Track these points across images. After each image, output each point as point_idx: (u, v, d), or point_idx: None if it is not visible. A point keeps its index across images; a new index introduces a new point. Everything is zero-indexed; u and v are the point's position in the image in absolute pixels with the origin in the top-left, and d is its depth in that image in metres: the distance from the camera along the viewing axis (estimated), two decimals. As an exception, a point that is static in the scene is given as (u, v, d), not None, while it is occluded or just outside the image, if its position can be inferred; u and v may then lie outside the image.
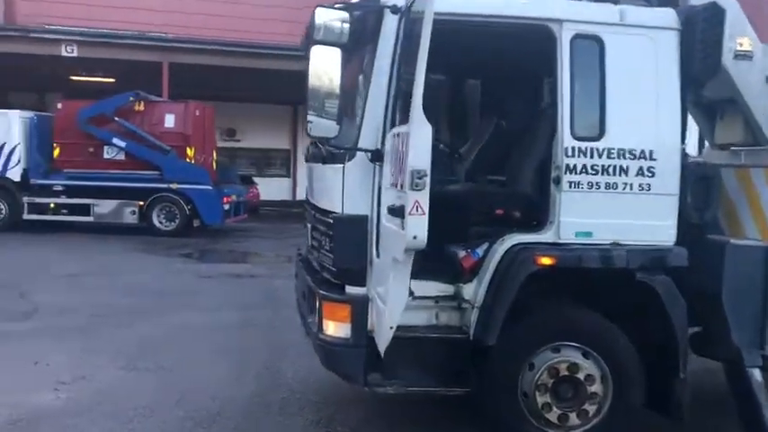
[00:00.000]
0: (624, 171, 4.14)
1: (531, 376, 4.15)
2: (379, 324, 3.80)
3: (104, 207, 16.09)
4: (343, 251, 4.07)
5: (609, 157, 4.13)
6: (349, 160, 4.02)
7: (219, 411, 4.99)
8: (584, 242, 4.13)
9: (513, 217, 4.50)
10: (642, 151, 4.15)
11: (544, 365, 4.14)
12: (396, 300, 3.64)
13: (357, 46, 3.99)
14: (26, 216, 16.23)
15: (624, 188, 4.15)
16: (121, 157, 16.11)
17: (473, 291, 4.18)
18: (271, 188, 25.36)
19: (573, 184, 4.10)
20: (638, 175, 4.15)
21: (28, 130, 16.42)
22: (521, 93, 5.24)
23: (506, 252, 4.11)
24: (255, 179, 23.89)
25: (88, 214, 16.12)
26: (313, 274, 4.56)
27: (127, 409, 4.95)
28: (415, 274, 4.18)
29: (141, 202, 16.04)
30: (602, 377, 4.17)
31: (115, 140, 15.92)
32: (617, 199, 4.15)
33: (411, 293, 3.78)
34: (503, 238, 4.17)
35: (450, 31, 4.30)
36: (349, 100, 4.04)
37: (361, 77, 4.21)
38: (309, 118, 3.77)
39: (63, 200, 16.21)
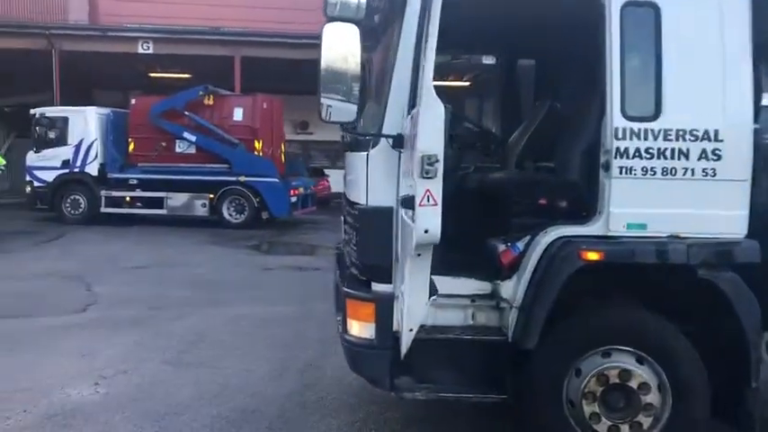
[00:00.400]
0: (684, 154, 3.66)
1: (578, 383, 3.75)
2: (401, 325, 3.50)
3: (176, 200, 16.43)
4: (367, 245, 3.77)
5: (666, 139, 3.65)
6: (372, 147, 3.71)
7: (254, 410, 4.83)
8: (636, 235, 3.68)
9: (558, 207, 4.09)
10: (706, 132, 3.65)
11: (592, 372, 3.72)
12: (414, 300, 3.33)
13: (376, 21, 3.68)
14: (103, 209, 16.77)
15: (684, 174, 3.66)
16: (192, 150, 16.39)
17: (512, 289, 3.81)
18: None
19: (624, 170, 3.65)
20: (701, 158, 3.66)
21: (104, 125, 16.96)
22: (573, 71, 4.80)
23: (548, 246, 3.72)
24: (328, 171, 23.89)
25: (161, 207, 16.50)
26: (343, 269, 4.30)
27: (161, 406, 4.86)
28: (450, 271, 3.90)
29: (211, 195, 16.28)
30: (660, 386, 3.71)
31: (186, 134, 16.21)
32: (676, 186, 3.67)
33: (434, 292, 3.45)
34: (545, 230, 3.78)
35: (490, 6, 3.96)
36: (369, 81, 3.74)
37: (382, 56, 3.89)
38: (324, 101, 3.47)
39: (138, 193, 16.65)
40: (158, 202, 16.49)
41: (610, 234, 3.68)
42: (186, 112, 16.23)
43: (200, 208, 16.40)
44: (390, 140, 3.59)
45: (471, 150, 4.95)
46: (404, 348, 3.47)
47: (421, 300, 3.35)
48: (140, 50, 20.77)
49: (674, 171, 3.66)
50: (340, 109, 3.52)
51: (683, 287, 3.73)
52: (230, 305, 8.08)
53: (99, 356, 5.99)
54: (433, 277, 3.77)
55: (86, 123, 16.79)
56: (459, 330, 3.89)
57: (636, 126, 3.64)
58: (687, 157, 3.65)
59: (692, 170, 3.66)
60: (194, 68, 22.38)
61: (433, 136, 3.11)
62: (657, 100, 3.66)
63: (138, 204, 16.73)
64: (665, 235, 3.67)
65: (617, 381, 3.71)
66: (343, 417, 4.73)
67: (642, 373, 3.70)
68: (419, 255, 3.24)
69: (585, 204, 3.86)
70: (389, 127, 3.65)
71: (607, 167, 3.67)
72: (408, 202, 3.22)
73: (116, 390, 5.21)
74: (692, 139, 3.65)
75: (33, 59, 20.42)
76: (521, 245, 3.89)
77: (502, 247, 3.98)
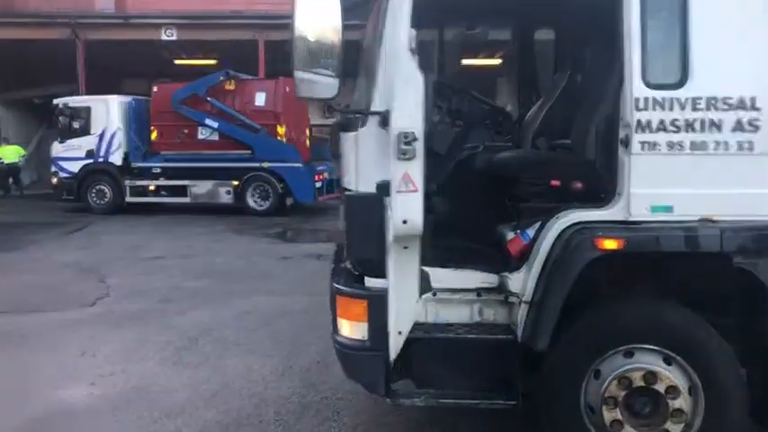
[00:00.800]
0: (716, 126, 3.19)
1: (598, 386, 3.32)
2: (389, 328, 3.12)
3: (201, 188, 16.20)
4: (357, 236, 3.36)
5: (695, 109, 3.19)
6: (362, 126, 3.31)
7: (251, 413, 4.52)
8: (661, 219, 3.23)
9: (573, 189, 3.63)
10: (741, 99, 3.18)
11: (613, 374, 3.29)
12: (402, 299, 2.94)
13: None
14: (128, 199, 16.64)
15: (716, 148, 3.20)
16: (215, 137, 16.12)
17: (521, 281, 3.40)
18: (371, 164, 24.81)
19: (646, 146, 3.20)
20: (735, 130, 3.19)
21: (126, 114, 16.78)
22: (593, 36, 4.33)
23: (561, 233, 3.28)
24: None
25: (185, 195, 16.28)
26: (338, 263, 3.92)
27: (155, 409, 4.58)
28: (453, 262, 3.51)
29: (236, 182, 16.00)
30: (691, 389, 3.27)
31: (208, 121, 15.95)
32: (707, 162, 3.21)
33: (427, 289, 3.06)
34: (557, 215, 3.35)
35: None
36: (361, 55, 3.34)
37: (373, 27, 3.48)
38: (305, 75, 3.08)
39: (161, 182, 16.46)
40: (182, 191, 16.28)
41: (631, 219, 3.24)
42: (208, 98, 15.94)
43: (225, 195, 16.16)
44: (378, 118, 3.18)
45: (480, 128, 4.52)
46: (393, 353, 3.10)
47: (410, 298, 2.97)
48: (164, 37, 20.62)
49: (704, 145, 3.20)
50: (321, 84, 3.13)
51: (716, 277, 3.28)
52: (241, 297, 7.78)
53: (99, 354, 5.75)
54: (432, 270, 3.41)
55: (109, 112, 16.64)
56: (464, 328, 3.49)
57: (659, 95, 3.19)
58: (719, 128, 3.19)
59: (726, 144, 3.20)
60: (219, 54, 22.18)
61: (409, 110, 2.71)
62: (684, 64, 3.19)
63: (163, 193, 16.55)
64: (694, 218, 3.22)
65: (641, 384, 3.28)
66: (345, 420, 4.39)
67: (670, 375, 3.26)
68: (405, 247, 2.85)
69: (603, 185, 3.42)
70: (380, 104, 3.24)
71: (627, 143, 3.23)
72: (385, 189, 2.82)
73: (111, 390, 4.95)
74: (725, 108, 3.18)
75: (60, 50, 20.44)
76: (531, 232, 3.47)
77: (510, 235, 3.58)
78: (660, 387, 3.26)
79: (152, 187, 16.49)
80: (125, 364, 5.48)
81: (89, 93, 18.92)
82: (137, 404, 4.68)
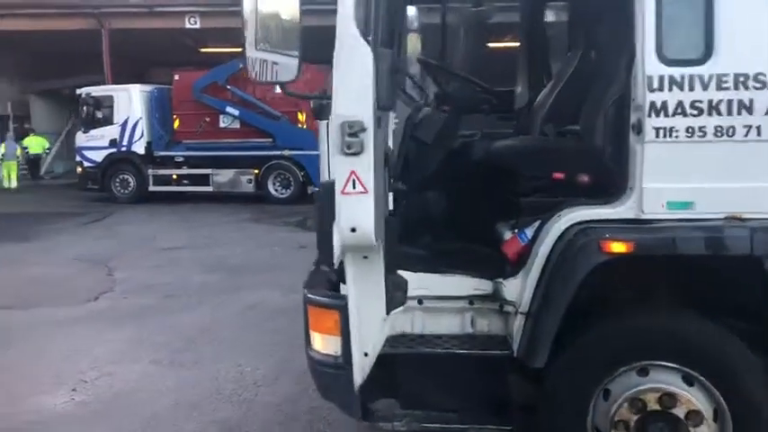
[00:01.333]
0: (746, 108, 2.71)
1: (607, 408, 2.89)
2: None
3: (222, 176, 16.08)
4: (324, 236, 2.98)
5: (720, 89, 2.71)
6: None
7: (238, 423, 4.20)
8: (680, 217, 2.77)
9: (580, 182, 3.18)
10: None
11: (624, 394, 2.86)
12: (365, 316, 2.53)
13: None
14: (151, 188, 16.56)
15: (746, 134, 2.72)
16: (236, 125, 15.99)
17: (518, 289, 2.97)
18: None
19: (662, 132, 2.74)
20: (769, 113, 2.72)
21: (149, 103, 16.70)
22: (608, 8, 3.85)
23: (562, 234, 2.85)
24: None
25: (208, 184, 16.16)
26: (319, 264, 3.53)
27: (134, 419, 4.29)
28: (442, 266, 3.11)
29: (257, 171, 15.81)
30: (716, 412, 2.83)
31: (229, 109, 15.77)
32: (734, 151, 2.73)
33: (398, 303, 2.65)
34: (559, 213, 2.91)
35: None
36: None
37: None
38: (258, 56, 2.69)
39: (184, 171, 16.36)
40: (204, 179, 16.17)
41: (643, 217, 2.78)
42: (228, 86, 15.74)
43: (246, 184, 16.00)
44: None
45: (477, 113, 4.08)
46: (357, 377, 2.71)
47: (375, 316, 2.57)
48: (188, 25, 20.41)
49: (731, 131, 2.72)
50: (282, 65, 2.75)
51: (743, 284, 2.82)
52: (248, 291, 7.47)
53: (88, 356, 5.48)
54: (418, 276, 3.02)
55: (131, 101, 16.57)
56: (453, 341, 3.08)
57: (677, 72, 2.72)
58: (750, 110, 2.71)
59: (758, 129, 2.72)
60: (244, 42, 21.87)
61: (354, 94, 2.29)
62: (708, 35, 2.71)
63: (185, 182, 16.45)
64: (718, 217, 2.75)
65: (657, 407, 2.85)
66: (336, 431, 4.04)
67: (691, 398, 2.81)
68: (365, 257, 2.45)
69: (614, 178, 2.97)
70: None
71: (639, 129, 2.77)
72: (330, 189, 2.43)
73: (93, 397, 4.68)
74: (758, 86, 2.70)
75: (88, 40, 20.37)
76: (530, 232, 3.04)
77: (508, 235, 3.15)
78: (679, 412, 2.82)
79: (175, 176, 16.36)
80: (114, 367, 5.21)
81: (115, 82, 18.82)
82: (116, 413, 4.40)
